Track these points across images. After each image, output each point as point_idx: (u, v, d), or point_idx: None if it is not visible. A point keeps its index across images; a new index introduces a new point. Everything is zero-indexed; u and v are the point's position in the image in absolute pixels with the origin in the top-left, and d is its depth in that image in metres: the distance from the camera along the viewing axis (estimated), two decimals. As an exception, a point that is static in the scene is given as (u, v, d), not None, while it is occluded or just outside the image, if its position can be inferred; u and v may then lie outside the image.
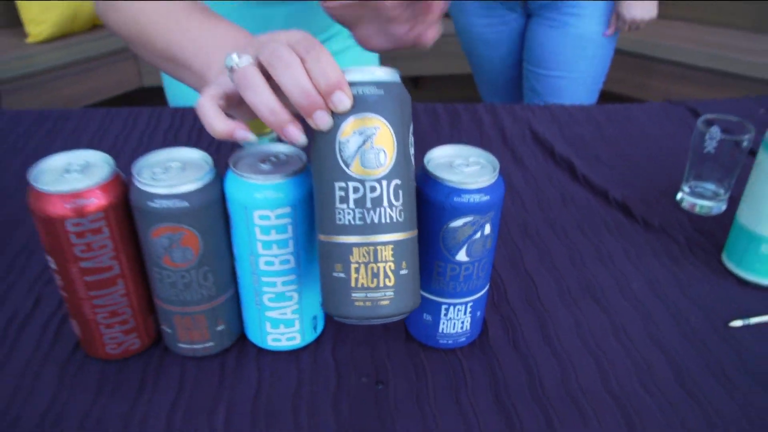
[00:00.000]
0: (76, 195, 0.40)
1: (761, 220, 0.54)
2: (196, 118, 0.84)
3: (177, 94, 0.95)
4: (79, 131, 0.81)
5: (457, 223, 0.42)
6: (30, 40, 2.14)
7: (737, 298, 0.55)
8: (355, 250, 0.37)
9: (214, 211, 0.42)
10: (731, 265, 0.58)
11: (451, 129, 0.84)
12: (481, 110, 0.88)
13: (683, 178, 0.69)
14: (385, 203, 0.37)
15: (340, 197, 0.37)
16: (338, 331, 0.50)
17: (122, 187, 0.42)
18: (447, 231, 0.42)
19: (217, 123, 0.38)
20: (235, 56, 0.38)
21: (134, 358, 0.47)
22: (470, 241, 0.42)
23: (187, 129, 0.82)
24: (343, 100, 0.35)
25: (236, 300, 0.47)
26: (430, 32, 0.52)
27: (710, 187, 0.68)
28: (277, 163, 0.42)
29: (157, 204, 0.40)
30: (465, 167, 0.43)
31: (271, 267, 0.43)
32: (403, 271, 0.38)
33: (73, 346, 0.48)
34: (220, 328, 0.46)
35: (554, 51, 1.41)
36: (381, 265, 0.37)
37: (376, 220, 0.37)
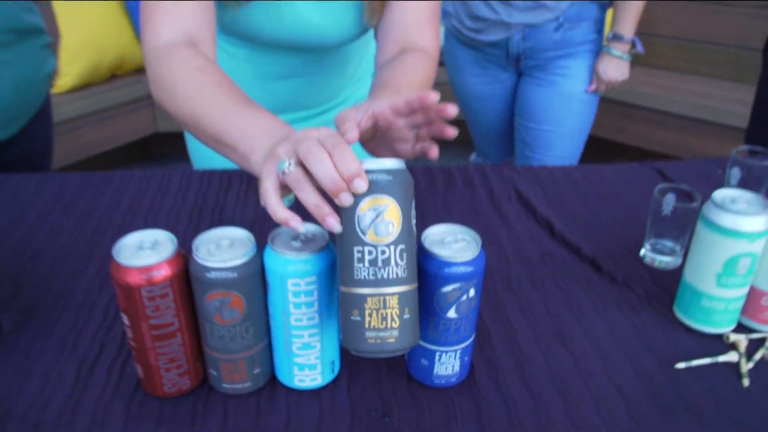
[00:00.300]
0: (149, 269, 0.50)
1: (701, 279, 0.65)
2: (221, 179, 0.95)
3: (201, 157, 1.06)
4: (120, 193, 0.92)
5: (447, 288, 0.52)
6: (54, 90, 2.27)
7: (683, 344, 0.65)
8: (368, 299, 0.48)
9: (256, 280, 0.52)
10: (680, 315, 0.68)
11: (446, 189, 0.95)
12: (471, 171, 1.00)
13: (645, 236, 0.80)
14: (392, 263, 0.48)
15: (358, 258, 0.48)
16: (351, 373, 0.60)
17: (183, 261, 0.53)
18: (440, 294, 0.53)
19: (280, 211, 0.49)
20: (286, 163, 0.49)
21: (186, 396, 0.57)
22: (458, 302, 0.53)
23: (215, 190, 0.93)
24: (360, 185, 0.47)
25: (269, 348, 0.57)
26: (434, 150, 0.62)
27: (668, 244, 0.79)
28: (306, 241, 0.53)
29: (212, 275, 0.51)
30: (454, 243, 0.54)
31: (299, 323, 0.54)
32: (406, 316, 0.49)
33: (135, 385, 0.58)
34: (256, 371, 0.57)
35: (543, 107, 1.54)
36: (389, 311, 0.48)
37: (385, 276, 0.48)
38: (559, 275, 0.76)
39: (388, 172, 0.48)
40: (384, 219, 0.47)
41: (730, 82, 2.45)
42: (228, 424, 0.54)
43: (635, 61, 2.54)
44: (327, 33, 0.88)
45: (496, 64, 1.55)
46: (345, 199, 0.47)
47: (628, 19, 1.49)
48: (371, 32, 1.03)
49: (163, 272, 0.51)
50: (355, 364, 0.61)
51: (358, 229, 0.47)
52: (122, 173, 0.98)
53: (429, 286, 0.53)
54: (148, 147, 2.77)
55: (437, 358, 0.57)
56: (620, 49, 1.50)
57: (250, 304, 0.53)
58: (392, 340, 0.48)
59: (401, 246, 0.48)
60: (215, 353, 0.55)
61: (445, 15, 1.61)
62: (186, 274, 0.52)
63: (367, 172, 0.47)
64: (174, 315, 0.53)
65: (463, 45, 1.58)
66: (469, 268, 0.52)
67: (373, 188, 0.47)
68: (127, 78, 2.46)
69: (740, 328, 0.67)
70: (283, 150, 0.52)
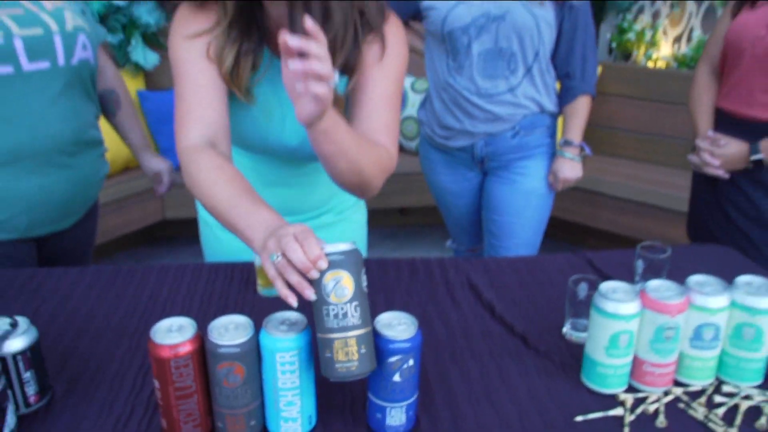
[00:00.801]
0: (176, 346, 0.70)
1: (595, 351, 0.84)
2: (226, 271, 1.15)
3: (212, 253, 1.27)
4: (143, 282, 1.12)
5: (392, 359, 0.71)
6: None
7: (585, 402, 0.83)
8: (335, 341, 0.68)
9: (254, 354, 0.71)
10: (584, 379, 0.87)
11: (410, 278, 1.15)
12: (433, 265, 1.20)
13: (565, 316, 1.00)
14: (349, 315, 0.68)
15: (325, 314, 0.68)
16: (325, 424, 0.78)
17: (200, 340, 0.72)
18: (387, 363, 0.72)
19: (283, 290, 0.70)
20: (275, 256, 0.70)
21: (198, 444, 0.75)
22: (401, 369, 0.72)
23: (221, 281, 1.13)
24: (322, 265, 0.68)
25: (262, 405, 0.75)
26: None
27: (584, 322, 0.98)
28: (290, 325, 0.73)
29: (221, 350, 0.70)
30: (397, 326, 0.73)
31: (285, 386, 0.72)
32: (363, 350, 0.68)
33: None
34: (252, 423, 0.75)
35: (506, 202, 1.76)
36: (350, 348, 0.68)
37: (345, 324, 0.68)
38: (495, 348, 0.95)
39: (341, 253, 0.69)
40: (341, 285, 0.68)
41: (682, 170, 2.70)
42: (230, 464, 0.72)
43: (601, 152, 2.80)
44: (296, 135, 1.08)
45: (464, 165, 1.79)
46: (313, 275, 0.68)
47: (575, 127, 1.73)
48: None
49: (186, 348, 0.70)
50: (327, 417, 0.79)
51: (324, 294, 0.68)
52: (144, 267, 1.18)
53: (379, 358, 0.72)
54: (155, 231, 2.98)
55: (388, 412, 0.75)
56: (571, 152, 1.73)
57: (249, 372, 0.71)
58: (354, 368, 0.68)
59: (355, 302, 0.68)
60: (222, 409, 0.73)
61: (420, 123, 1.85)
62: (202, 350, 0.71)
63: (327, 254, 0.68)
64: (193, 380, 0.72)
65: (435, 149, 1.82)
66: (408, 344, 0.71)
67: (332, 265, 0.68)
68: (138, 171, 2.70)
69: (630, 389, 0.86)
70: (272, 244, 0.73)
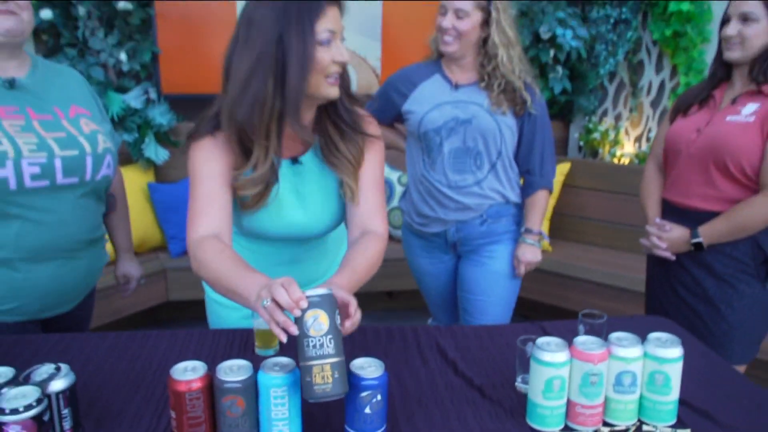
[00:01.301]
0: (190, 381, 0.87)
1: (534, 395, 1.00)
2: (227, 336, 1.32)
3: (216, 321, 1.45)
4: (156, 345, 1.28)
5: (364, 393, 0.88)
6: (86, 267, 2.68)
7: (527, 438, 0.99)
8: (314, 368, 0.84)
9: (253, 389, 0.88)
10: (528, 421, 1.03)
11: (387, 341, 1.32)
12: (407, 331, 1.37)
13: (517, 371, 1.16)
14: (325, 346, 0.85)
15: (305, 345, 0.85)
16: (309, 455, 0.93)
17: (210, 378, 0.89)
18: (359, 397, 0.88)
19: (276, 329, 0.88)
20: (265, 301, 0.88)
21: (204, 469, 0.90)
22: (370, 402, 0.89)
23: (223, 344, 1.29)
24: (303, 305, 0.86)
25: (258, 435, 0.91)
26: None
27: (532, 377, 1.14)
28: (282, 366, 0.90)
29: (227, 385, 0.87)
30: (368, 368, 0.90)
31: (276, 416, 0.88)
32: (336, 375, 0.85)
33: (172, 463, 0.91)
34: (250, 450, 0.90)
35: (477, 282, 1.94)
36: (325, 373, 0.84)
37: (322, 353, 0.85)
38: (455, 397, 1.11)
39: (319, 295, 0.87)
40: (319, 321, 0.86)
41: (644, 256, 2.89)
42: (230, 483, 0.87)
43: (572, 239, 3.01)
44: (311, 223, 1.31)
45: (440, 249, 1.99)
46: (296, 313, 0.86)
47: (535, 217, 1.94)
48: (343, 233, 1.45)
49: (198, 384, 0.87)
50: None
51: (305, 329, 0.86)
52: (157, 332, 1.35)
53: (353, 392, 0.89)
54: (160, 312, 3.13)
55: (361, 440, 0.91)
56: (532, 239, 1.93)
57: (248, 404, 0.88)
58: (329, 389, 0.85)
59: (330, 336, 0.86)
60: (225, 437, 0.89)
61: (401, 212, 2.07)
62: (211, 386, 0.88)
63: (308, 296, 0.86)
64: (202, 411, 0.88)
65: (414, 234, 2.02)
66: (376, 382, 0.89)
67: (311, 305, 0.86)
68: (146, 255, 2.89)
69: (566, 428, 1.01)
70: (264, 293, 0.92)
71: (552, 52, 3.08)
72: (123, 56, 2.93)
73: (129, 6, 2.88)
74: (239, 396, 0.87)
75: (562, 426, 1.02)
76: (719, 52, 1.72)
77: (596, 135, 3.25)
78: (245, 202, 1.23)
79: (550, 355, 0.98)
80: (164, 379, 1.11)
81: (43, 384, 0.91)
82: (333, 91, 1.19)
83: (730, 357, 1.69)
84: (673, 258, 1.79)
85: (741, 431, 1.02)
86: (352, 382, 0.89)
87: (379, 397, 0.89)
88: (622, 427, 1.02)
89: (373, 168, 1.29)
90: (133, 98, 2.92)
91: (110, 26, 2.95)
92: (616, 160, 3.23)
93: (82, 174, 1.38)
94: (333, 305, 0.88)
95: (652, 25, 3.02)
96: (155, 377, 1.15)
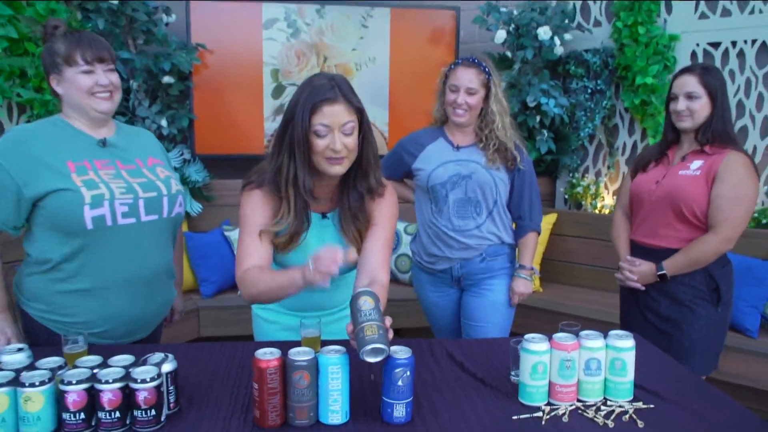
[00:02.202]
0: (270, 361, 1.16)
1: (524, 377, 1.29)
2: (276, 344, 1.61)
3: (261, 335, 1.74)
4: (224, 349, 1.57)
5: (397, 370, 1.17)
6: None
7: (520, 410, 1.27)
8: (366, 327, 1.14)
9: (315, 367, 1.17)
10: (519, 398, 1.31)
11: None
12: (422, 343, 1.66)
13: (511, 366, 1.45)
14: (372, 315, 1.17)
15: (360, 315, 1.18)
16: (356, 418, 1.21)
17: (283, 359, 1.18)
18: (394, 373, 1.17)
19: (326, 265, 1.22)
20: (309, 262, 1.21)
21: (277, 428, 1.18)
22: (402, 377, 1.18)
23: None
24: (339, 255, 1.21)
25: (317, 403, 1.19)
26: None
27: (523, 372, 1.43)
28: (336, 351, 1.19)
29: (296, 364, 1.16)
30: (400, 351, 1.20)
31: (333, 387, 1.17)
32: (380, 332, 1.14)
33: (252, 422, 1.19)
34: (311, 414, 1.18)
35: (478, 311, 2.23)
36: (373, 330, 1.14)
37: (371, 318, 1.16)
38: (463, 385, 1.39)
39: (368, 288, 1.21)
40: (367, 302, 1.18)
41: (629, 297, 3.19)
42: (298, 437, 1.15)
43: (562, 281, 3.29)
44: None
45: (446, 284, 2.28)
46: (338, 260, 1.19)
47: (526, 255, 2.25)
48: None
49: (275, 363, 1.16)
50: (356, 413, 1.22)
51: (358, 305, 1.18)
52: (221, 343, 1.63)
53: (388, 369, 1.18)
54: (186, 353, 3.38)
55: (394, 407, 1.19)
56: (525, 273, 2.24)
57: (312, 378, 1.17)
58: (375, 338, 1.12)
59: (374, 311, 1.17)
60: (294, 404, 1.17)
61: (412, 253, 2.38)
62: (284, 365, 1.17)
63: (360, 289, 1.19)
64: (278, 383, 1.17)
65: (423, 272, 2.33)
66: (406, 361, 1.18)
67: (363, 293, 1.19)
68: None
69: (549, 404, 1.30)
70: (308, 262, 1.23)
71: (538, 118, 3.46)
72: (164, 122, 3.31)
73: (171, 80, 3.27)
74: (305, 371, 1.16)
75: (545, 401, 1.30)
76: (669, 121, 2.08)
77: (579, 189, 3.59)
78: (278, 245, 1.52)
79: (535, 345, 1.28)
80: (235, 373, 1.41)
81: (158, 365, 1.20)
82: (335, 170, 1.44)
83: (692, 369, 1.97)
84: (643, 288, 2.09)
85: (681, 404, 1.30)
86: (388, 362, 1.18)
87: (408, 373, 1.18)
88: (592, 403, 1.30)
89: (385, 229, 1.56)
90: (172, 158, 3.27)
91: (154, 97, 3.33)
92: (597, 211, 3.56)
93: (160, 211, 1.66)
94: (376, 297, 1.19)
95: (623, 95, 3.42)
96: (229, 369, 1.44)
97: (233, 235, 3.29)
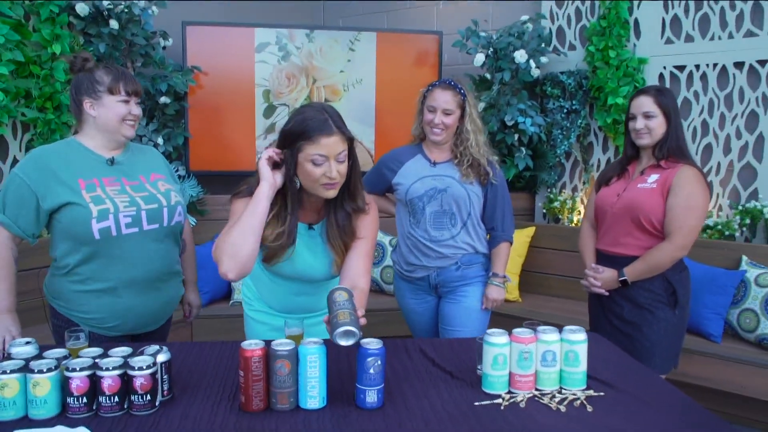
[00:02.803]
0: (254, 350, 1.27)
1: (486, 367, 1.41)
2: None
3: (251, 334, 1.85)
4: (215, 346, 1.68)
5: (369, 359, 1.29)
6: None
7: (483, 398, 1.39)
8: (338, 313, 1.28)
9: (295, 356, 1.29)
10: (483, 387, 1.42)
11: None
12: (397, 342, 1.77)
13: (477, 360, 1.57)
14: (345, 305, 1.31)
15: (335, 305, 1.32)
16: (333, 404, 1.32)
17: (266, 349, 1.30)
18: (365, 362, 1.29)
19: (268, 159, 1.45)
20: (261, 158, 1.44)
21: (261, 412, 1.29)
22: (374, 365, 1.30)
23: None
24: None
25: (298, 389, 1.31)
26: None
27: (488, 365, 1.55)
28: (315, 343, 1.31)
29: (278, 353, 1.27)
30: (372, 342, 1.32)
31: (311, 376, 1.29)
32: (352, 318, 1.27)
33: (238, 407, 1.30)
34: (291, 399, 1.29)
35: (454, 316, 2.35)
36: (345, 315, 1.27)
37: (343, 307, 1.31)
38: (432, 377, 1.51)
39: (344, 286, 1.33)
40: (342, 294, 1.31)
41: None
42: (277, 420, 1.26)
43: (538, 292, 3.41)
44: (317, 272, 1.72)
45: (424, 291, 2.40)
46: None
47: (499, 263, 2.37)
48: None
49: (259, 352, 1.28)
50: (333, 399, 1.33)
51: (334, 297, 1.32)
52: (212, 342, 1.75)
53: (362, 358, 1.29)
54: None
55: (367, 393, 1.30)
56: (497, 281, 2.36)
57: (292, 366, 1.28)
58: (347, 322, 1.25)
59: (348, 301, 1.31)
60: (276, 390, 1.29)
61: (393, 263, 2.51)
62: (267, 354, 1.29)
63: (338, 286, 1.30)
64: (261, 371, 1.28)
65: (403, 280, 2.44)
66: (377, 351, 1.30)
67: (340, 288, 1.33)
68: (173, 309, 3.27)
69: (509, 392, 1.41)
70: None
71: (516, 136, 3.61)
72: (160, 140, 3.44)
73: (167, 100, 3.41)
74: (286, 360, 1.27)
75: (506, 390, 1.42)
76: (629, 139, 2.23)
77: (557, 204, 3.74)
78: (266, 255, 1.65)
79: (496, 339, 1.40)
80: (224, 367, 1.53)
81: (154, 355, 1.31)
82: (330, 194, 1.57)
83: (653, 368, 2.09)
84: (606, 293, 2.22)
85: (630, 393, 1.42)
86: (361, 351, 1.30)
87: (379, 362, 1.30)
88: (548, 391, 1.42)
89: (368, 242, 1.68)
90: (168, 175, 3.40)
91: (151, 116, 3.47)
92: (574, 225, 3.70)
93: (161, 221, 1.83)
94: (350, 292, 1.32)
95: (597, 114, 3.58)
96: (218, 363, 1.55)
97: (225, 247, 3.40)
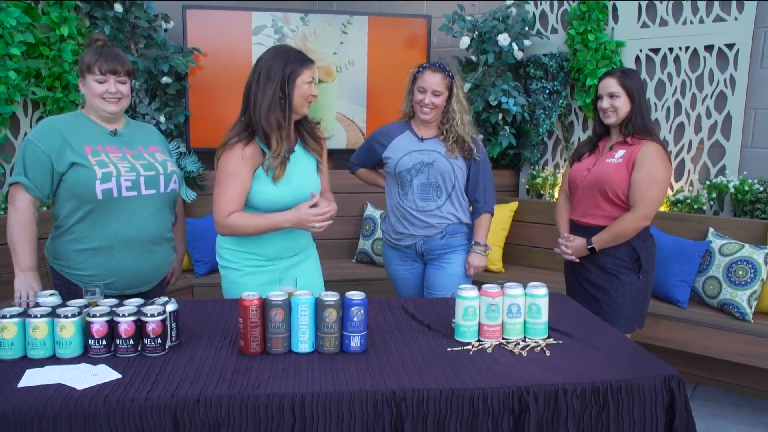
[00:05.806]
0: (252, 300, 1.42)
1: (459, 319, 1.56)
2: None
3: (230, 289, 2.00)
4: (216, 302, 1.83)
5: (354, 308, 1.44)
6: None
7: (455, 345, 1.54)
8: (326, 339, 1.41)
9: (288, 305, 1.44)
10: (456, 336, 1.58)
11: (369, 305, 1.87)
12: (382, 300, 1.92)
13: (453, 314, 1.72)
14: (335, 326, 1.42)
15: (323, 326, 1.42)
16: (319, 348, 1.48)
17: (262, 299, 1.44)
18: (350, 311, 1.44)
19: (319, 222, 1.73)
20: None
21: (258, 355, 1.44)
22: (357, 314, 1.44)
23: (259, 306, 1.85)
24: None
25: (290, 334, 1.46)
26: None
27: (462, 319, 1.70)
28: (306, 295, 1.46)
29: (273, 303, 1.42)
30: (356, 294, 1.47)
31: (302, 323, 1.44)
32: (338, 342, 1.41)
33: (237, 350, 1.45)
34: (285, 344, 1.44)
35: (438, 281, 2.49)
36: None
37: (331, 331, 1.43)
38: (411, 329, 1.66)
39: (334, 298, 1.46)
40: (331, 315, 1.43)
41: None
42: (272, 362, 1.41)
43: (522, 264, 3.56)
44: (309, 182, 1.97)
45: (411, 258, 2.55)
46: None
47: (481, 233, 2.51)
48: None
49: (256, 302, 1.42)
50: (322, 347, 1.49)
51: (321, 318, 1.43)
52: (213, 300, 1.89)
53: (347, 308, 1.44)
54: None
55: (351, 339, 1.46)
56: (479, 249, 2.50)
57: (285, 314, 1.43)
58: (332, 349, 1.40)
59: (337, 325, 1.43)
60: (271, 335, 1.44)
61: (382, 232, 2.65)
62: (263, 304, 1.44)
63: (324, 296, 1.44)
64: (258, 318, 1.43)
65: (391, 248, 2.59)
66: (360, 301, 1.45)
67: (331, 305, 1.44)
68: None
69: (479, 341, 1.57)
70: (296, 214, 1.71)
71: (500, 116, 3.74)
72: (162, 118, 3.55)
73: (169, 80, 3.52)
74: (280, 308, 1.42)
75: (476, 339, 1.57)
76: (598, 117, 2.36)
77: (539, 180, 3.88)
78: (275, 174, 1.88)
79: (467, 293, 1.55)
80: (224, 320, 1.67)
81: (164, 305, 1.46)
82: (306, 110, 1.96)
83: (618, 328, 2.25)
84: (577, 260, 2.37)
85: (587, 342, 1.58)
86: (346, 302, 1.44)
87: (362, 311, 1.44)
88: (513, 340, 1.58)
89: (325, 166, 2.11)
90: (170, 151, 3.52)
91: (153, 96, 3.58)
92: (555, 200, 3.84)
93: (158, 187, 1.96)
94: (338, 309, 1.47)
95: (577, 95, 3.70)
96: (218, 320, 1.70)
97: (225, 220, 3.53)
